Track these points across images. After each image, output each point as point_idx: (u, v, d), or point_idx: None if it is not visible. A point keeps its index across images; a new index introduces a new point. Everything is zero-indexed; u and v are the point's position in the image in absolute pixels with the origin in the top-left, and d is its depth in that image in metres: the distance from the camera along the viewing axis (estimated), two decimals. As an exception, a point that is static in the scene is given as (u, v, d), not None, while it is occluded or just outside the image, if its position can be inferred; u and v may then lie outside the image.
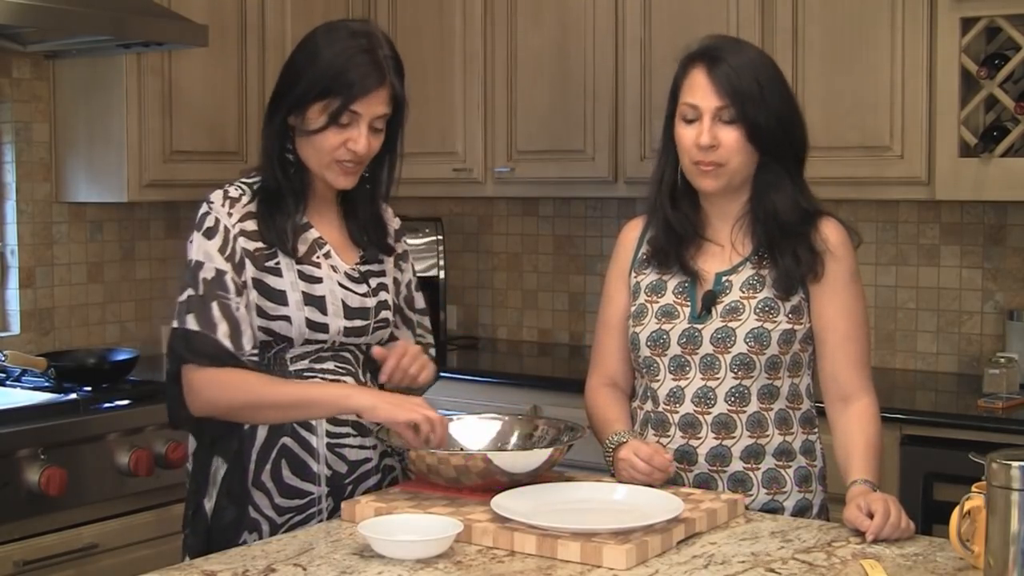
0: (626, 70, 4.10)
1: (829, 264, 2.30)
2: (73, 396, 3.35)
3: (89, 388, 3.43)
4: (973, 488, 1.88)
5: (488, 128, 4.39)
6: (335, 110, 2.24)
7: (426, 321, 2.57)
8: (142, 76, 3.80)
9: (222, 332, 2.20)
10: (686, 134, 2.30)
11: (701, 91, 2.28)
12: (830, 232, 2.32)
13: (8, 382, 3.53)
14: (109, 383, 3.50)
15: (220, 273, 2.23)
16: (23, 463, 3.08)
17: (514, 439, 2.41)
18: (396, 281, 2.46)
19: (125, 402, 3.37)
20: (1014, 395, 3.45)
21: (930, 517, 3.14)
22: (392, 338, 2.45)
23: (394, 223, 2.51)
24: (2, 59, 3.81)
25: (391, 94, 2.29)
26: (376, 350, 2.33)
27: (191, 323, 2.21)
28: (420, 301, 2.56)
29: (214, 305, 2.21)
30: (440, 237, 4.59)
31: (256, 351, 2.25)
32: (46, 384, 3.47)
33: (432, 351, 2.52)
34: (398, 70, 2.31)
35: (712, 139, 2.26)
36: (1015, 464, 1.73)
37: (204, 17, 3.80)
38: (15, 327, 3.91)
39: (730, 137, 2.26)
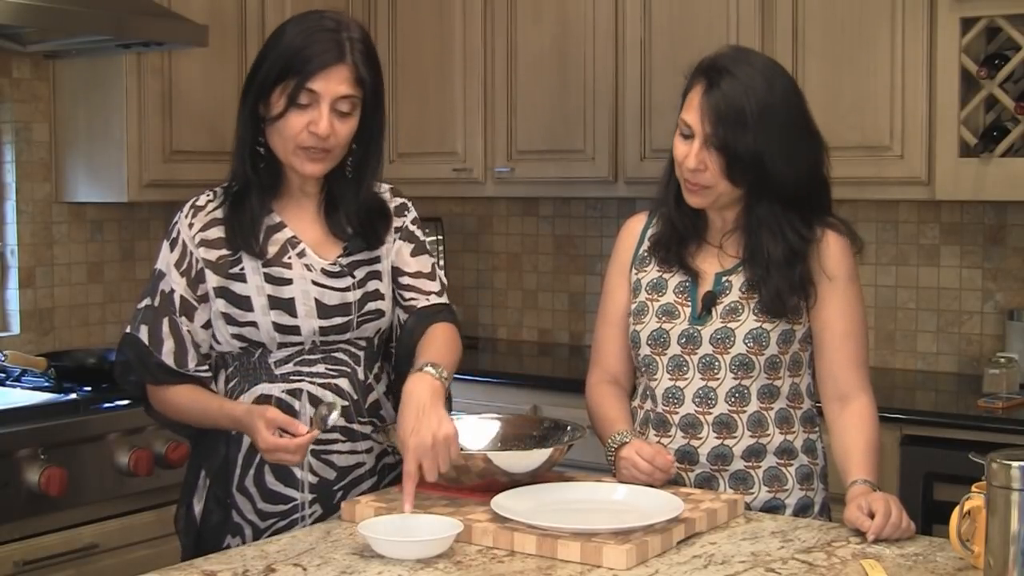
0: (626, 70, 4.10)
1: (823, 282, 2.28)
2: (73, 396, 3.36)
3: (89, 388, 3.43)
4: (973, 488, 1.88)
5: (488, 128, 4.39)
6: (292, 90, 2.18)
7: (420, 284, 2.34)
8: (142, 76, 3.80)
9: (167, 349, 2.26)
10: (679, 149, 2.27)
11: (695, 112, 2.24)
12: (828, 245, 2.29)
13: (8, 382, 3.53)
14: (109, 383, 3.47)
15: (172, 291, 2.26)
16: (23, 463, 3.08)
17: (514, 439, 2.40)
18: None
19: (125, 402, 3.36)
20: (1014, 395, 3.45)
21: (930, 517, 3.14)
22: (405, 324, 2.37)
23: (393, 202, 2.38)
24: (2, 59, 3.81)
25: (355, 75, 2.19)
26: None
27: (143, 334, 2.27)
28: (412, 265, 2.34)
29: (165, 321, 2.26)
30: (440, 237, 4.59)
31: (206, 368, 2.28)
32: (46, 384, 3.47)
33: (429, 302, 2.33)
34: (365, 53, 2.22)
35: (698, 163, 2.24)
36: (1015, 464, 1.73)
37: (204, 17, 3.80)
38: (15, 327, 3.91)
39: (717, 164, 2.23)
